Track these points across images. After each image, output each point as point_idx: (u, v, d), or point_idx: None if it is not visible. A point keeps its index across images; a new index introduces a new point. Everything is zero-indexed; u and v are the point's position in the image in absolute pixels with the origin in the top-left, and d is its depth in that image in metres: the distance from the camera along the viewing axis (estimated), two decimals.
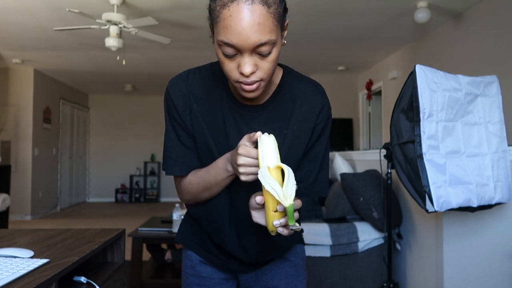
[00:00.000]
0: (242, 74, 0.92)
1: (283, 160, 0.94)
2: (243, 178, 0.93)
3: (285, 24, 0.98)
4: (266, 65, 0.93)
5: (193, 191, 1.12)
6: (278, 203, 0.87)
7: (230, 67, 0.94)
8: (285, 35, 0.98)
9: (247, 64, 0.91)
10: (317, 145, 1.12)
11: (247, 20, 0.86)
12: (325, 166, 1.15)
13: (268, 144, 0.89)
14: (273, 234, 0.93)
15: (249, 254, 1.18)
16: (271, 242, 1.17)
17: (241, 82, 0.94)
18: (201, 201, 1.15)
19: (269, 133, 1.02)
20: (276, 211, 0.89)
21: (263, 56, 0.92)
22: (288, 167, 0.87)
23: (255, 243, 1.16)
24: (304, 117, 1.09)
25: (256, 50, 0.90)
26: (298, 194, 1.14)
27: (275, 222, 0.90)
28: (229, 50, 0.91)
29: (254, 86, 0.95)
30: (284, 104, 1.09)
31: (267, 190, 0.86)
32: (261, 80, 0.95)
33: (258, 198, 0.92)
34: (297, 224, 0.88)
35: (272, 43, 0.91)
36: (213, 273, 1.24)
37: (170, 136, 1.11)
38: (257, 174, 0.90)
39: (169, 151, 1.11)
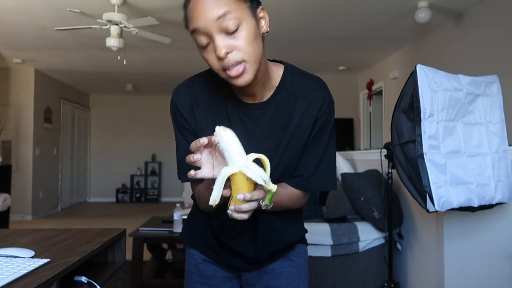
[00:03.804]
0: (219, 58, 0.94)
1: (282, 153, 1.07)
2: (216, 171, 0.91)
3: (260, 8, 1.00)
4: (240, 43, 0.94)
5: (203, 200, 1.10)
6: (248, 188, 0.87)
7: (211, 60, 0.97)
8: (265, 22, 1.01)
9: (219, 45, 0.93)
10: (318, 139, 1.12)
11: (203, 1, 0.93)
12: (327, 161, 1.13)
13: (231, 137, 0.87)
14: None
15: (255, 247, 1.18)
16: (279, 233, 1.18)
17: (225, 70, 0.95)
18: (209, 209, 1.11)
19: (273, 129, 1.03)
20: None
21: (231, 33, 0.93)
22: (259, 154, 0.89)
23: (265, 233, 1.17)
24: (305, 111, 1.09)
25: (221, 27, 0.93)
26: (298, 188, 1.14)
27: (230, 207, 0.89)
28: (202, 39, 0.95)
29: (240, 69, 0.95)
30: (287, 100, 1.10)
31: (237, 180, 0.87)
32: (244, 61, 0.95)
33: (225, 192, 0.89)
34: (272, 204, 0.95)
35: (234, 18, 0.92)
36: (216, 271, 1.25)
37: (180, 144, 1.13)
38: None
39: (181, 158, 1.12)
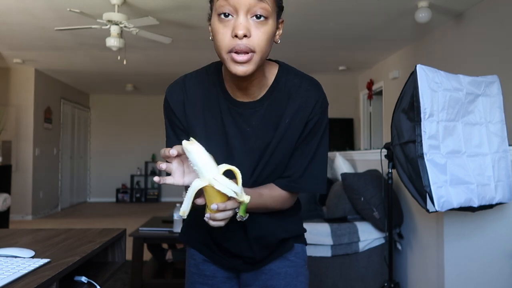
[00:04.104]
0: (235, 37, 0.94)
1: (270, 154, 1.07)
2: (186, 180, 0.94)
3: (280, 20, 1.03)
4: (259, 35, 0.95)
5: None
6: (221, 199, 0.89)
7: (223, 34, 0.95)
8: (279, 33, 1.03)
9: (242, 24, 0.93)
10: (309, 140, 1.11)
11: None
12: (317, 163, 1.12)
13: (199, 151, 0.87)
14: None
15: (250, 247, 1.18)
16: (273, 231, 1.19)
17: (233, 52, 0.95)
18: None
19: (265, 128, 1.01)
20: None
21: (258, 19, 0.94)
22: (230, 165, 0.90)
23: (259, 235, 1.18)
24: (297, 111, 1.09)
25: (252, 11, 0.94)
26: (285, 189, 1.13)
27: (206, 215, 0.92)
28: (225, 8, 0.94)
29: (246, 57, 0.95)
30: (280, 99, 1.10)
31: (210, 191, 0.88)
32: (253, 52, 0.95)
33: (199, 200, 0.93)
34: (247, 215, 0.95)
35: (267, 11, 0.95)
36: (216, 271, 1.25)
37: (171, 142, 1.13)
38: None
39: None
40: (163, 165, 0.92)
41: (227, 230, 1.16)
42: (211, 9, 1.01)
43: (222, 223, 0.93)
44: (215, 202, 0.89)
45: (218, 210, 0.90)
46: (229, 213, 0.91)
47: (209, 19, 1.02)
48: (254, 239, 1.18)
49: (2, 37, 5.78)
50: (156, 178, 0.91)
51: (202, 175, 0.87)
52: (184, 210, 0.89)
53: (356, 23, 5.09)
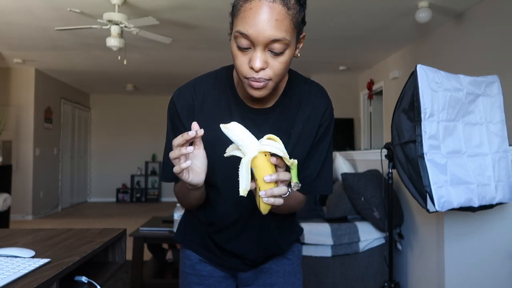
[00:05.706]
0: (252, 69, 0.94)
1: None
2: (188, 177, 0.95)
3: (302, 36, 1.01)
4: (276, 65, 0.95)
5: (179, 199, 1.17)
6: (272, 170, 0.88)
7: (241, 61, 0.96)
8: (299, 47, 1.02)
9: (258, 59, 0.93)
10: (320, 145, 1.14)
11: (265, 15, 0.90)
12: (327, 166, 1.16)
13: (239, 127, 0.89)
14: (264, 213, 0.92)
15: (255, 250, 1.20)
16: (274, 237, 1.21)
17: (249, 78, 0.96)
18: (191, 208, 1.18)
19: (277, 135, 1.05)
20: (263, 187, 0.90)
21: (275, 54, 0.94)
22: (270, 134, 0.90)
23: (259, 239, 1.19)
24: (308, 117, 1.11)
25: (269, 47, 0.93)
26: (301, 192, 1.15)
27: (261, 192, 0.88)
28: (244, 42, 0.93)
29: (262, 84, 0.96)
30: (291, 106, 1.11)
31: (259, 165, 0.88)
32: (270, 79, 0.96)
33: (252, 185, 0.90)
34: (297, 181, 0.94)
35: (286, 43, 0.93)
36: (213, 271, 1.26)
37: (171, 146, 1.12)
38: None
39: (166, 158, 1.12)
40: (190, 148, 0.91)
41: (234, 232, 1.18)
42: (231, 29, 0.99)
43: (281, 200, 0.89)
44: (259, 183, 0.88)
45: (274, 183, 0.87)
46: (284, 189, 0.89)
47: (230, 37, 1.01)
48: (263, 247, 1.20)
49: (2, 37, 5.78)
50: (190, 148, 0.91)
51: (248, 148, 0.88)
52: (244, 188, 0.87)
53: (356, 23, 5.09)
